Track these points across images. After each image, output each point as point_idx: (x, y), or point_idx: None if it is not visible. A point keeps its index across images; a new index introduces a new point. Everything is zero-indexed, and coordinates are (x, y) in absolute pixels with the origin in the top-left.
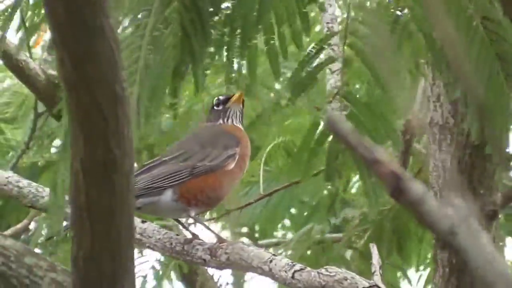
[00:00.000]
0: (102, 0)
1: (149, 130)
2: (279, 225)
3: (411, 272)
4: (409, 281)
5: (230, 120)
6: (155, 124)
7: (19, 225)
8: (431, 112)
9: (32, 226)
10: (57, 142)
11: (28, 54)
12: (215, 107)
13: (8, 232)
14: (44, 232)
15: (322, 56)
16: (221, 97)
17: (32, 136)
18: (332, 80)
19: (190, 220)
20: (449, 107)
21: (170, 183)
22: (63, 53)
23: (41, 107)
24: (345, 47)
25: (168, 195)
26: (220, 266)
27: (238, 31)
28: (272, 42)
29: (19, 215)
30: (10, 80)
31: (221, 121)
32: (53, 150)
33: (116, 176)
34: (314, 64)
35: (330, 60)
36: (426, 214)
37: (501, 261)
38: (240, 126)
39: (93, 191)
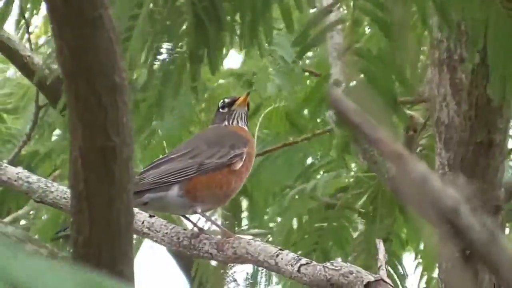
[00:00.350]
0: None
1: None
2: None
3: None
4: (404, 271)
5: (235, 122)
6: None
7: (20, 211)
8: (437, 111)
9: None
10: (57, 132)
11: (28, 48)
12: (220, 109)
13: (9, 218)
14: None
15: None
16: (226, 100)
17: (34, 128)
18: (336, 38)
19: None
20: (455, 107)
21: (177, 178)
22: (62, 43)
23: (42, 100)
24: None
25: (174, 191)
26: (227, 260)
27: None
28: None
29: (19, 201)
30: (13, 70)
31: (226, 123)
32: (53, 139)
33: (115, 164)
34: (324, 24)
35: (340, 20)
36: (429, 193)
37: (504, 240)
38: (245, 128)
39: (92, 179)
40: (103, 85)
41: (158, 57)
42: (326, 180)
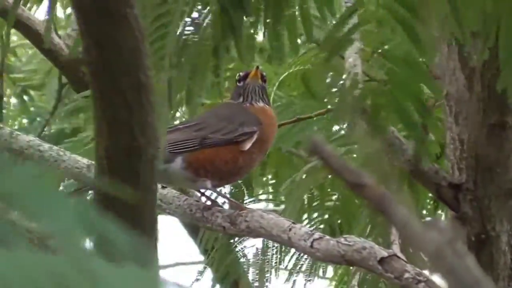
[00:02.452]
0: None
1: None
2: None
3: None
4: None
5: (249, 97)
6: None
7: None
8: (446, 85)
9: None
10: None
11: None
12: (237, 83)
13: None
14: None
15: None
16: (241, 73)
17: (57, 106)
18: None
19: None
20: (464, 81)
21: (179, 150)
22: (89, 41)
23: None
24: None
25: (178, 163)
26: (240, 234)
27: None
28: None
29: None
30: None
31: (241, 98)
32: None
33: (139, 163)
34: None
35: (365, 21)
36: (411, 238)
37: (488, 283)
38: (264, 105)
39: (116, 179)
40: (129, 84)
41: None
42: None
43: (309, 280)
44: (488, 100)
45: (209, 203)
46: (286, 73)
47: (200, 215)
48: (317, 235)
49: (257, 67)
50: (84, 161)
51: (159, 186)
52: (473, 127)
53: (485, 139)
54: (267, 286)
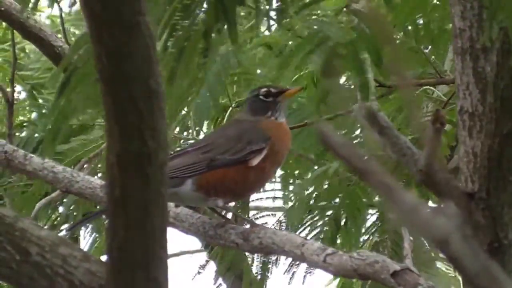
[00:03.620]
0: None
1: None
2: None
3: None
4: None
5: (277, 113)
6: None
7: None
8: (460, 100)
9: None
10: None
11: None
12: (262, 97)
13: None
14: None
15: None
16: (272, 89)
17: None
18: None
19: None
20: (478, 95)
21: (188, 173)
22: (100, 49)
23: None
24: None
25: (187, 186)
26: (253, 250)
27: None
28: None
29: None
30: None
31: (270, 113)
32: None
33: (150, 169)
34: None
35: None
36: (419, 223)
37: (495, 268)
38: (283, 121)
39: (128, 184)
40: (140, 91)
41: (174, 33)
42: None
43: (309, 273)
44: (501, 110)
45: (222, 220)
46: (297, 76)
47: (213, 233)
48: (330, 250)
49: (301, 89)
50: (97, 181)
51: (172, 204)
52: (486, 137)
53: (498, 148)
54: (268, 277)
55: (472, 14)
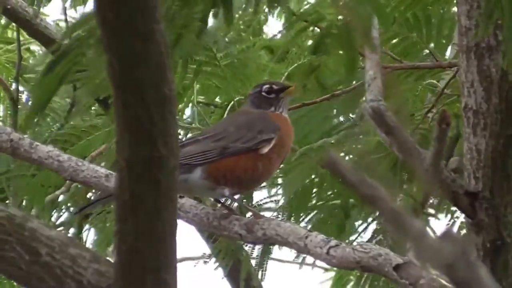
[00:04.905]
0: (153, 7)
1: None
2: None
3: None
4: None
5: (281, 110)
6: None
7: (57, 192)
8: (465, 97)
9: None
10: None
11: None
12: (264, 94)
13: (48, 198)
14: None
15: None
16: (274, 86)
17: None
18: None
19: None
20: (483, 93)
21: (199, 161)
22: (111, 55)
23: None
24: None
25: (197, 173)
26: (256, 241)
27: None
28: None
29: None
30: None
31: (272, 108)
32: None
33: (161, 174)
34: None
35: None
36: (426, 249)
37: None
38: (287, 116)
39: (138, 189)
40: (153, 97)
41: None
42: (338, 139)
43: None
44: (506, 111)
45: (226, 211)
46: (295, 65)
47: (217, 224)
48: (333, 242)
49: (304, 86)
50: (102, 170)
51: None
52: (490, 137)
53: (502, 149)
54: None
55: (478, 13)
